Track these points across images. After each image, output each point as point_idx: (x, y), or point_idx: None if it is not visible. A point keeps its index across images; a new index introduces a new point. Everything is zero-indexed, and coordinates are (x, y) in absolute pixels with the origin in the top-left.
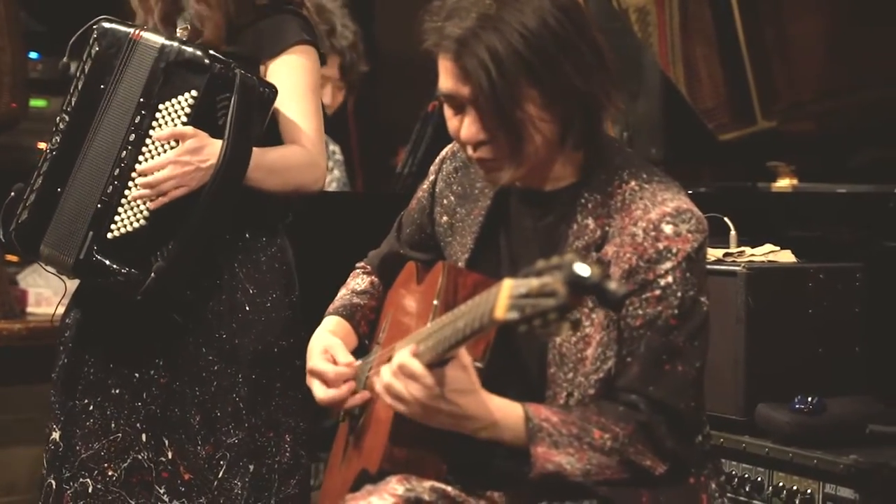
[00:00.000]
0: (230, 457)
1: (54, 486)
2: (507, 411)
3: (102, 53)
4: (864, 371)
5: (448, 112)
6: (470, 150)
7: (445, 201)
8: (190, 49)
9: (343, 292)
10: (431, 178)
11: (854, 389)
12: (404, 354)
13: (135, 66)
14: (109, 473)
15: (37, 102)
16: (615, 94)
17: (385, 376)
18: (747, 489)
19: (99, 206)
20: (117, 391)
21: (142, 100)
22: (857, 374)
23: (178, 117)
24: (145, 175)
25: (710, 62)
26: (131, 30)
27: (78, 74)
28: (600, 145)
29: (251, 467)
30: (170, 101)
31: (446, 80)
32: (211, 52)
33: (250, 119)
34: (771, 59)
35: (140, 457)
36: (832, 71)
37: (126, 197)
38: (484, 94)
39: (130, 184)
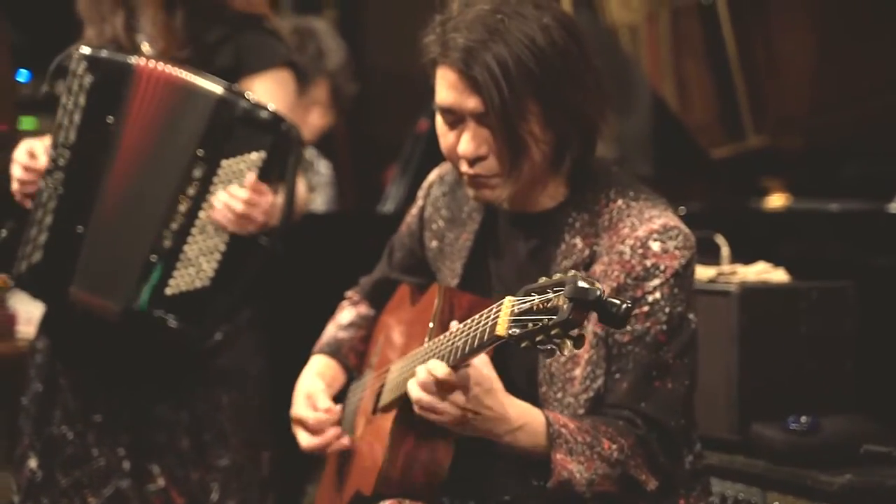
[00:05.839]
0: (221, 478)
1: None
2: (530, 415)
3: (101, 84)
4: (858, 390)
5: (443, 127)
6: (465, 166)
7: (434, 226)
8: (256, 106)
9: (329, 327)
10: (420, 203)
11: (848, 408)
12: (435, 366)
13: (187, 114)
14: (90, 501)
15: (27, 123)
16: (609, 117)
17: (414, 392)
18: None
19: (153, 257)
20: (99, 418)
21: (201, 152)
22: (851, 392)
23: (244, 175)
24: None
25: (700, 78)
26: (132, 60)
27: (70, 107)
28: (588, 167)
29: (237, 485)
30: (234, 157)
31: (449, 92)
32: (272, 108)
33: (298, 173)
34: (762, 74)
35: (122, 485)
36: (822, 85)
37: (185, 252)
38: (493, 107)
39: (190, 239)
